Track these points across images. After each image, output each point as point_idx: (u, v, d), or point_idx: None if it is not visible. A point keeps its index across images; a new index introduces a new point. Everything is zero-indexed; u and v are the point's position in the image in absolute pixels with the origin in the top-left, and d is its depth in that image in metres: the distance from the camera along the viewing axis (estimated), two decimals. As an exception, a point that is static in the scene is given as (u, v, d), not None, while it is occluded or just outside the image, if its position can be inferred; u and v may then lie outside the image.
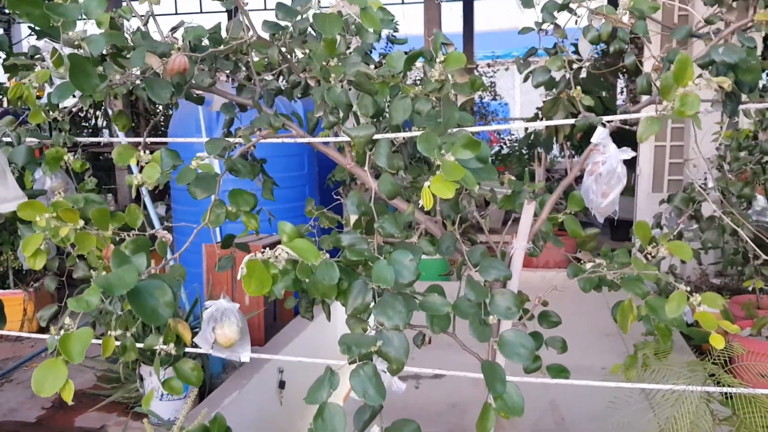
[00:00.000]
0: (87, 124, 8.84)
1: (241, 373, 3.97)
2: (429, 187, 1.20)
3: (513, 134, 9.75)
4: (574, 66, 1.92)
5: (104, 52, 1.62)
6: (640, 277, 1.63)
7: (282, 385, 4.33)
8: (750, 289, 3.07)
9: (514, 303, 1.51)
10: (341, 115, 1.51)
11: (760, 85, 1.82)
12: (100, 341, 1.55)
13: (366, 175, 1.44)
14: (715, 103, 1.41)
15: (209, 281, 4.59)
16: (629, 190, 8.09)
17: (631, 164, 7.77)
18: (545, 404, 3.33)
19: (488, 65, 12.26)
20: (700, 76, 1.25)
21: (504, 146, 9.05)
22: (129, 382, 3.76)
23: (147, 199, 3.92)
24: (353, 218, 1.42)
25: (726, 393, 1.76)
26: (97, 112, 9.33)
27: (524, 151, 7.73)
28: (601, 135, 1.25)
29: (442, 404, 3.36)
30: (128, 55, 1.55)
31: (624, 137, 1.96)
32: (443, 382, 3.64)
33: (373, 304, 1.32)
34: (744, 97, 1.39)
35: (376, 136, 1.40)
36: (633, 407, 2.09)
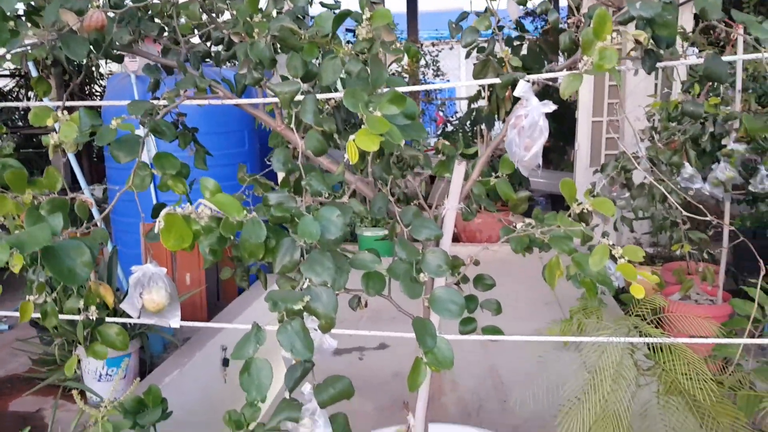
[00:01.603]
0: (17, 107, 8.53)
1: (183, 352, 3.92)
2: (354, 141, 1.20)
3: (458, 113, 9.80)
4: (515, 43, 1.95)
5: (20, 12, 1.56)
6: (567, 235, 1.66)
7: (226, 363, 4.28)
8: (678, 253, 3.18)
9: (445, 261, 1.53)
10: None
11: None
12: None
13: (294, 134, 1.43)
14: (634, 61, 1.44)
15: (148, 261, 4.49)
16: (568, 165, 8.26)
17: (569, 140, 7.94)
18: (485, 369, 3.40)
19: (432, 44, 12.28)
20: (617, 30, 1.27)
21: (449, 124, 9.10)
22: (65, 364, 3.66)
23: (74, 165, 3.79)
24: (280, 176, 1.40)
25: (653, 347, 1.82)
26: (29, 93, 9.00)
27: (467, 129, 7.79)
28: (523, 89, 1.27)
29: (385, 374, 3.39)
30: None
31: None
32: (387, 353, 3.67)
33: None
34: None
35: (300, 95, 1.39)
36: (566, 366, 2.14)
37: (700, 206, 2.66)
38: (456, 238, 6.68)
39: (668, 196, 3.02)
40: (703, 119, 2.91)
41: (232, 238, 1.25)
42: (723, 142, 3.23)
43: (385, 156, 1.66)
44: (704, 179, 3.24)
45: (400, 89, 1.44)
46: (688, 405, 1.71)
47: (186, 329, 4.40)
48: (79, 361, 3.68)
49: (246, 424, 1.96)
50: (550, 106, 1.27)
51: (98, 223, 1.44)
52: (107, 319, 1.59)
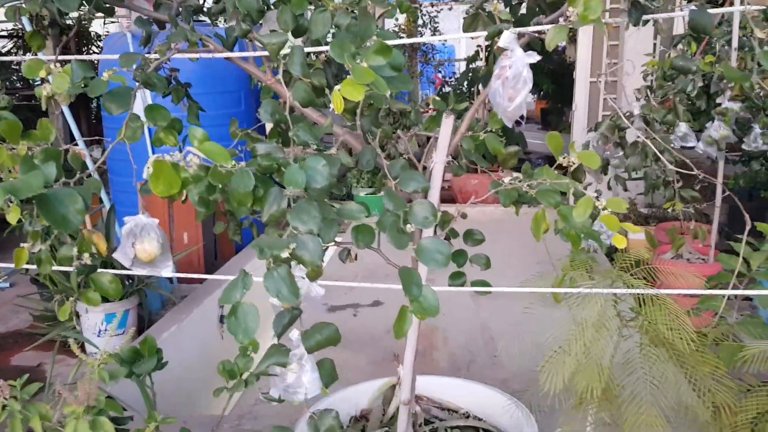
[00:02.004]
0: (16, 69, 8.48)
1: (180, 308, 3.98)
2: (339, 90, 1.22)
3: (456, 74, 9.74)
4: (513, 2, 1.95)
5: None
6: (553, 188, 1.69)
7: (222, 319, 4.35)
8: (671, 212, 3.21)
9: (431, 212, 1.55)
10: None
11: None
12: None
13: (282, 87, 1.44)
14: (621, 13, 1.45)
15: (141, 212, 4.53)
16: (567, 127, 8.25)
17: (568, 101, 7.90)
18: (477, 326, 3.46)
19: (431, 5, 12.13)
20: (602, -19, 1.28)
21: (447, 85, 9.05)
22: (67, 321, 3.71)
23: (69, 119, 3.80)
24: (269, 127, 1.42)
25: (640, 302, 1.86)
26: (27, 54, 8.92)
27: (465, 89, 7.77)
28: (507, 39, 1.28)
29: (379, 330, 3.45)
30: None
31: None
32: (380, 310, 3.73)
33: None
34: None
35: (287, 48, 1.40)
36: (556, 322, 2.19)
37: (688, 161, 2.67)
38: (452, 200, 6.71)
39: (660, 155, 3.04)
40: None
41: (220, 187, 1.28)
42: (718, 100, 3.23)
43: (374, 109, 1.68)
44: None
45: (389, 42, 1.45)
46: (669, 354, 1.76)
47: (184, 288, 4.46)
48: (78, 317, 3.74)
49: (239, 372, 2.02)
50: (534, 57, 1.28)
51: (92, 174, 1.46)
52: (109, 271, 1.63)
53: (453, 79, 9.77)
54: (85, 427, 1.71)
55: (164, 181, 1.14)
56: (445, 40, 12.11)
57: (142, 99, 4.58)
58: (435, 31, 8.32)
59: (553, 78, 8.16)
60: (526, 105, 1.32)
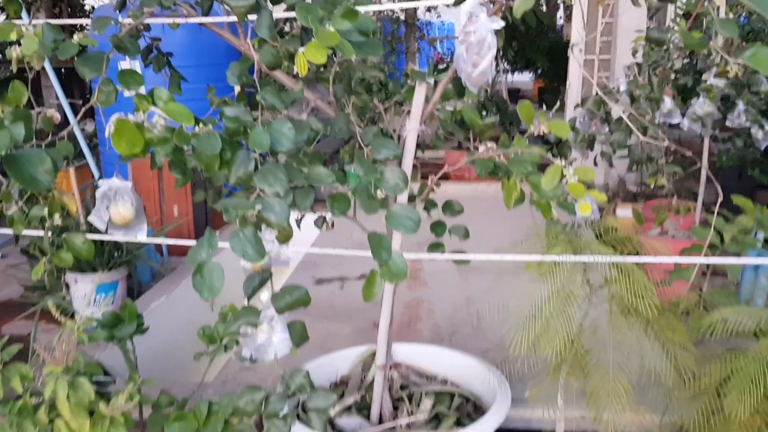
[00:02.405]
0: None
1: (170, 279, 4.02)
2: (303, 53, 1.23)
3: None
4: None
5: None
6: (524, 158, 1.71)
7: (212, 292, 4.38)
8: (658, 187, 3.23)
9: (402, 178, 1.57)
10: None
11: None
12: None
13: (251, 50, 1.46)
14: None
15: (136, 192, 4.55)
16: (562, 106, 8.23)
17: (564, 80, 7.86)
18: (462, 300, 3.49)
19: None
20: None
21: (443, 62, 9.03)
22: (55, 290, 3.75)
23: (55, 84, 3.81)
24: (237, 89, 1.44)
25: (610, 270, 1.89)
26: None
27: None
28: (471, 4, 1.29)
29: (363, 302, 3.49)
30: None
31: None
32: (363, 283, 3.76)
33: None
34: None
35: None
36: (540, 296, 2.22)
37: (665, 138, 2.68)
38: (445, 177, 6.72)
39: (636, 131, 3.06)
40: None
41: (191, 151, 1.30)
42: (704, 77, 3.24)
43: (346, 77, 1.69)
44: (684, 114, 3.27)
45: (358, 8, 1.46)
46: (638, 322, 1.80)
47: (174, 260, 4.49)
48: (68, 287, 3.77)
49: (219, 338, 2.06)
50: (499, 23, 1.29)
51: (64, 137, 1.48)
52: (95, 235, 1.66)
53: (451, 55, 9.75)
54: (64, 386, 1.75)
55: (126, 140, 1.16)
56: (441, 18, 12.02)
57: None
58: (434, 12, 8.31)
59: (550, 57, 8.14)
60: (491, 72, 1.33)
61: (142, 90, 1.56)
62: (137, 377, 2.00)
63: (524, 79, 13.17)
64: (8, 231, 1.81)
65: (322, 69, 1.98)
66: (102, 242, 3.81)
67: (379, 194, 1.57)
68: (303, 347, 3.06)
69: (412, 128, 1.71)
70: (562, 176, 1.60)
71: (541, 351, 1.76)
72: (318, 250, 1.85)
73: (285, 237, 1.45)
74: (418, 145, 2.33)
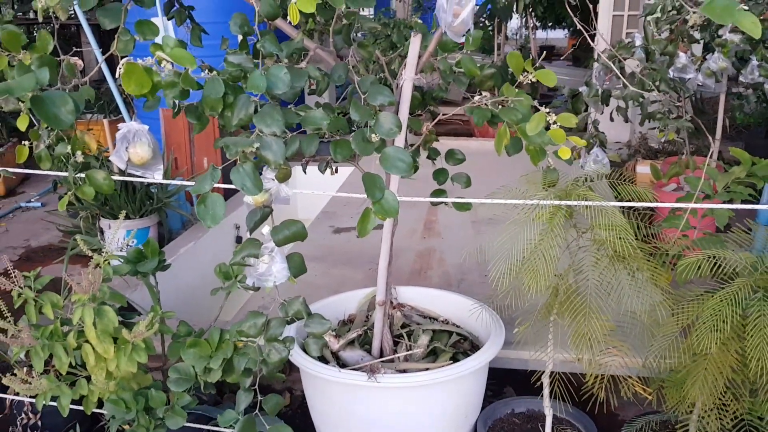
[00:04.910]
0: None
1: (198, 227, 4.22)
2: (295, 3, 1.34)
3: (477, 7, 9.63)
4: None
5: None
6: (514, 106, 1.80)
7: (239, 240, 4.59)
8: (666, 139, 3.27)
9: (395, 123, 1.68)
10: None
11: None
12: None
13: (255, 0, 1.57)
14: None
15: (168, 146, 4.73)
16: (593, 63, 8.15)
17: (593, 35, 7.75)
18: (473, 249, 3.61)
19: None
20: None
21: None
22: (91, 235, 3.98)
23: (91, 40, 3.97)
24: (239, 38, 1.55)
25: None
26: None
27: (487, 23, 7.71)
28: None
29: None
30: None
31: None
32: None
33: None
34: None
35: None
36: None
37: (679, 94, 2.72)
38: (470, 134, 6.78)
39: (651, 85, 3.09)
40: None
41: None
42: (720, 32, 3.25)
43: (345, 27, 1.79)
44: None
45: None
46: (621, 266, 1.90)
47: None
48: (102, 232, 4.00)
49: (234, 275, 2.22)
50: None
51: (86, 82, 1.63)
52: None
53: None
54: (90, 313, 1.93)
55: (135, 82, 1.30)
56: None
57: (164, 29, 4.73)
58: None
59: (581, 12, 8.03)
60: (472, 21, 1.42)
61: (159, 40, 1.70)
62: (158, 308, 2.18)
63: (558, 36, 13.00)
64: (46, 176, 1.98)
65: (330, 22, 2.09)
66: (134, 190, 4.02)
67: (374, 138, 1.68)
68: (319, 290, 3.23)
69: (407, 77, 1.81)
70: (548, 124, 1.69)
71: (528, 290, 1.88)
72: (332, 193, 1.98)
73: (284, 175, 1.58)
74: (435, 99, 2.42)
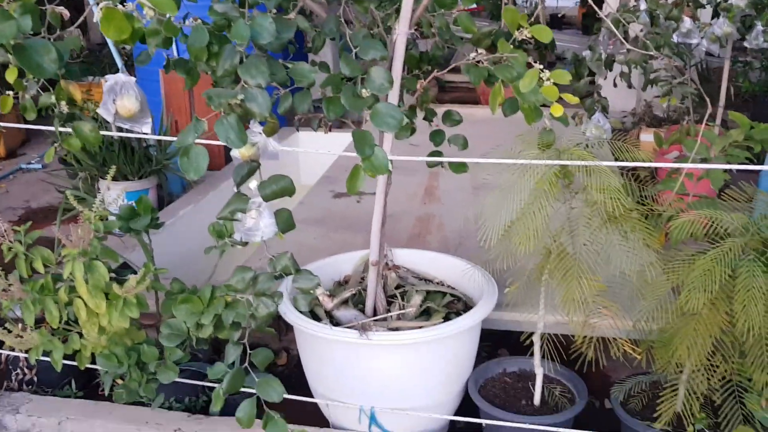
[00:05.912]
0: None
1: (198, 190, 4.22)
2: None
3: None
4: None
5: None
6: (509, 64, 1.77)
7: (238, 204, 4.56)
8: (665, 106, 3.23)
9: (387, 78, 1.66)
10: None
11: None
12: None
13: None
14: None
15: (168, 108, 4.71)
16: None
17: (598, 2, 7.63)
18: (472, 215, 3.59)
19: None
20: None
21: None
22: (90, 196, 3.97)
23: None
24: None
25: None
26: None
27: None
28: None
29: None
30: None
31: None
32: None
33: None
34: None
35: None
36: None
37: (682, 58, 2.69)
38: (476, 101, 6.72)
39: (653, 50, 3.04)
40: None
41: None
42: (726, -4, 3.19)
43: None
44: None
45: None
46: (614, 227, 1.88)
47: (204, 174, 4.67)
48: (99, 192, 4.00)
49: (228, 233, 2.22)
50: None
51: (73, 31, 1.60)
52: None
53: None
54: (80, 267, 1.93)
55: (114, 27, 1.28)
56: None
57: None
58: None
59: None
60: None
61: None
62: (151, 265, 2.18)
63: (569, 3, 12.80)
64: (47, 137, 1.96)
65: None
66: (133, 151, 4.01)
67: (365, 93, 1.66)
68: (320, 253, 3.22)
69: (401, 32, 1.78)
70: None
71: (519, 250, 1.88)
72: (331, 152, 1.96)
73: (271, 129, 1.57)
74: (432, 60, 2.38)
